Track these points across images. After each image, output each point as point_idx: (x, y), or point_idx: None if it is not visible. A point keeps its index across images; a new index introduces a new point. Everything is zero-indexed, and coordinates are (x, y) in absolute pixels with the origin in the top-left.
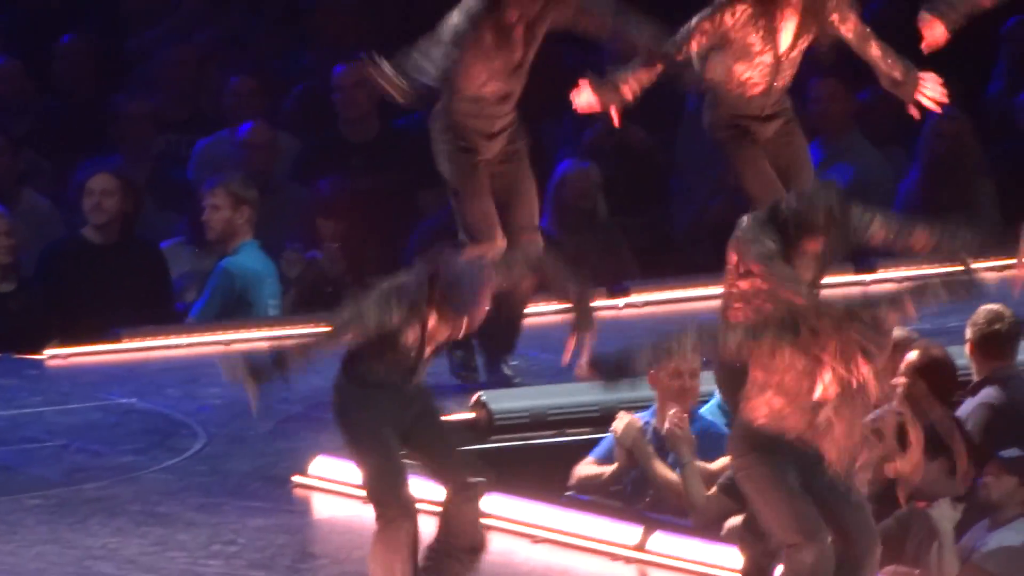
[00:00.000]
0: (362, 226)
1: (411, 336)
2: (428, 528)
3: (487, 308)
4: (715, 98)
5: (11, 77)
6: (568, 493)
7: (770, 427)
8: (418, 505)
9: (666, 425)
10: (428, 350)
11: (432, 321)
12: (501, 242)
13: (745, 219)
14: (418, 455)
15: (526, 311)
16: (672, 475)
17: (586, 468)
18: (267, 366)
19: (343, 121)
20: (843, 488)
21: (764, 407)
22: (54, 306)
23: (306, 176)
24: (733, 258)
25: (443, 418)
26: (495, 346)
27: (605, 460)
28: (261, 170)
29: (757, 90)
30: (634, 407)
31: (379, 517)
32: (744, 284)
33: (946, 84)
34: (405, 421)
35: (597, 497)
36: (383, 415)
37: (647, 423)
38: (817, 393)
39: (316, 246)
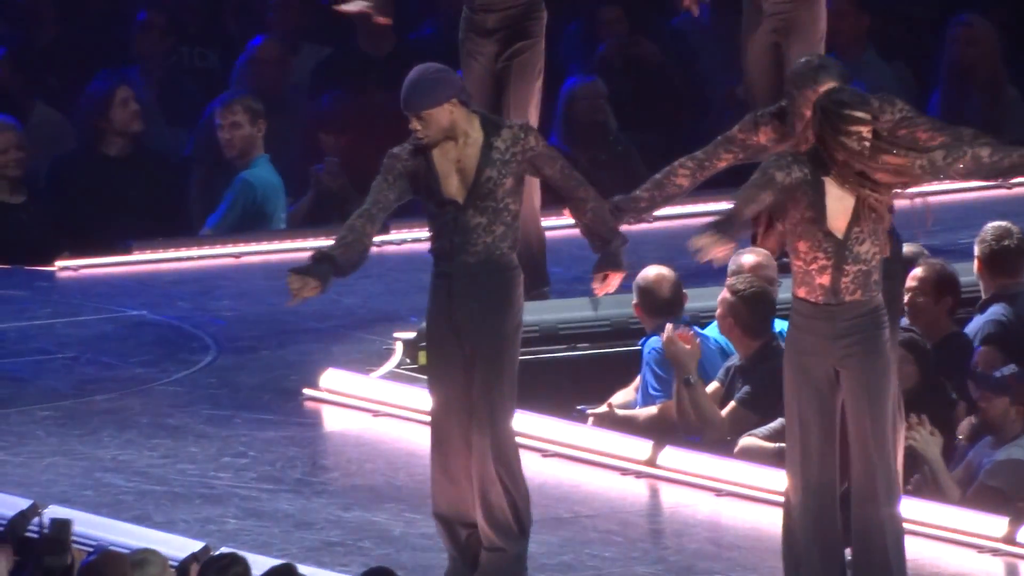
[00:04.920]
0: (369, 141)
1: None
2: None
3: None
4: None
5: None
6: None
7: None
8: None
9: (665, 336)
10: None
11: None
12: None
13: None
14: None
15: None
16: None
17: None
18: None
19: (361, 34)
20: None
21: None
22: (65, 218)
23: (322, 90)
24: None
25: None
26: None
27: None
28: (270, 85)
29: None
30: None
31: None
32: None
33: None
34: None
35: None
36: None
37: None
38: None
39: (321, 160)
